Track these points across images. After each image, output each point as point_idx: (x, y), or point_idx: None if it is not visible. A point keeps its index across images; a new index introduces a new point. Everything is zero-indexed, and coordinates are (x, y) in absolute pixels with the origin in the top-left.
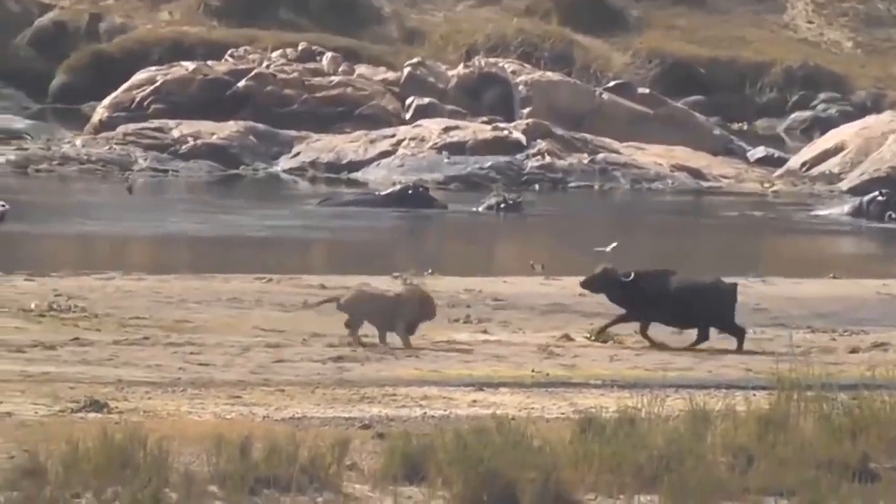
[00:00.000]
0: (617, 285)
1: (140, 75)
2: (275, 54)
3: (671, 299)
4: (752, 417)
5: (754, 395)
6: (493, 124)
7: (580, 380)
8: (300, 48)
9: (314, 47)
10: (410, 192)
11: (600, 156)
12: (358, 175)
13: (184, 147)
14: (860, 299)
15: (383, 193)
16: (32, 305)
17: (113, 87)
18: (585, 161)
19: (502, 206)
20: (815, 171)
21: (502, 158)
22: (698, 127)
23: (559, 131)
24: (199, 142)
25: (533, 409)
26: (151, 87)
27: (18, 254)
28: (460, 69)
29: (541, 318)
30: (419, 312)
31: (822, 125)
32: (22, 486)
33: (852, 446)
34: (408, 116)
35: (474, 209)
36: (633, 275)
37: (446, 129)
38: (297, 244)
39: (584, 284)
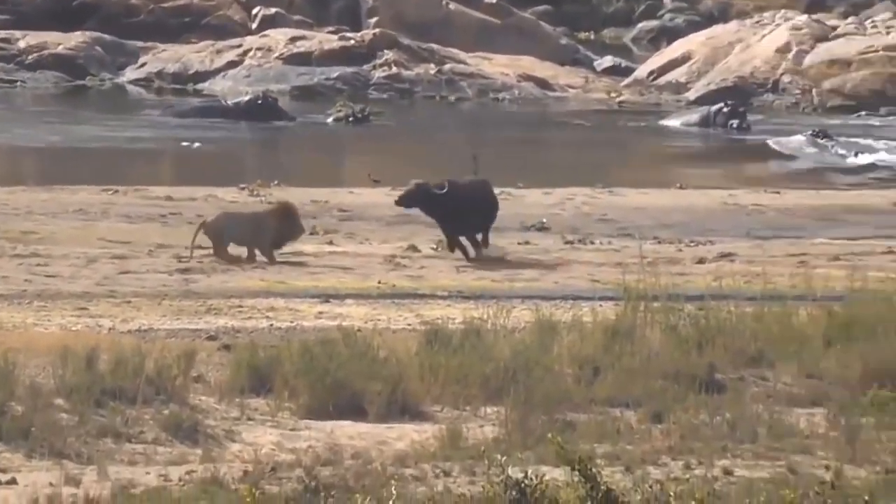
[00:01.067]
0: (431, 198)
1: None
2: None
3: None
4: (598, 329)
5: (601, 306)
6: (340, 34)
7: (426, 291)
8: None
9: None
10: (259, 102)
11: (447, 66)
12: (204, 86)
13: (30, 58)
14: (706, 210)
15: (230, 103)
16: None
17: None
18: (432, 72)
19: (350, 118)
20: (662, 80)
21: (349, 69)
22: (545, 37)
23: (406, 41)
24: (45, 52)
25: (379, 320)
26: None
27: None
28: None
29: (387, 229)
30: (284, 230)
31: (670, 35)
32: None
33: (699, 357)
34: (254, 26)
35: (322, 120)
36: (446, 186)
37: (293, 40)
38: (143, 155)
39: (398, 202)
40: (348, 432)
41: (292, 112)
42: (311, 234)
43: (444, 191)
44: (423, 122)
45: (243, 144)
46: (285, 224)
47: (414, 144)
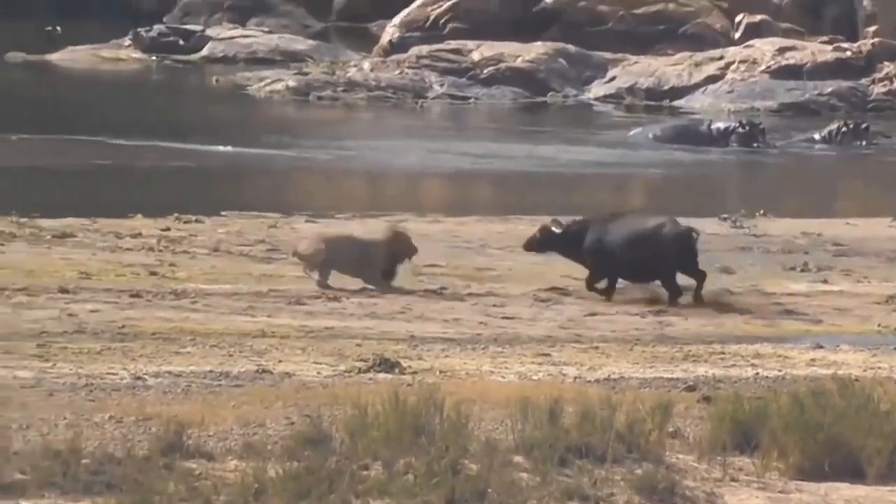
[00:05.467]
0: (555, 241)
1: None
2: None
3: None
4: None
5: None
6: (835, 45)
7: None
8: None
9: None
10: (743, 130)
11: None
12: (681, 102)
13: (485, 71)
14: None
15: (711, 129)
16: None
17: (405, 4)
18: None
19: (844, 132)
20: None
21: (844, 83)
22: None
23: None
24: (501, 65)
25: (880, 368)
26: (448, 3)
27: (301, 192)
28: None
29: (888, 265)
30: (396, 256)
31: None
32: (303, 456)
33: None
34: (737, 36)
35: (814, 140)
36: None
37: (781, 51)
38: (613, 181)
39: (525, 247)
40: (845, 495)
41: (781, 131)
42: (802, 271)
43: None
44: None
45: (724, 169)
46: (397, 249)
47: None
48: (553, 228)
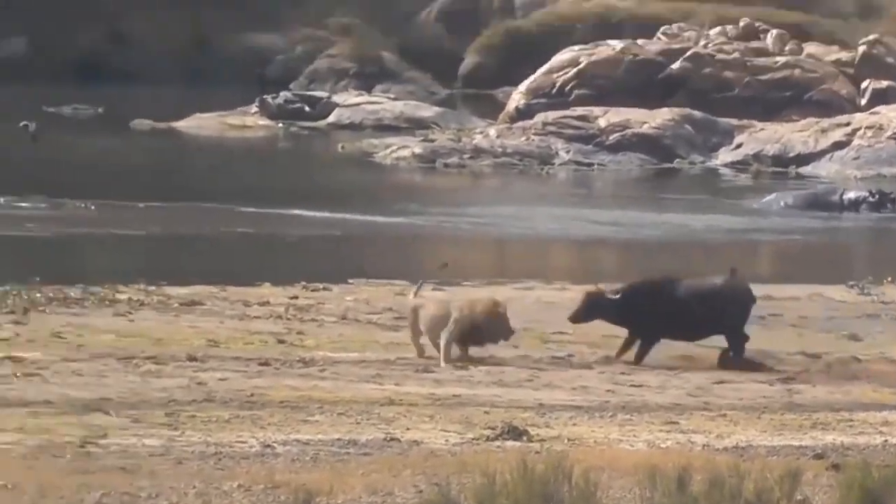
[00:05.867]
0: (607, 307)
1: (561, 56)
2: (713, 31)
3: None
4: None
5: None
6: None
7: None
8: (741, 24)
9: (757, 23)
10: (872, 199)
11: None
12: (808, 169)
13: (611, 138)
14: None
15: (843, 197)
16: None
17: (531, 70)
18: None
19: None
20: None
21: None
22: None
23: None
24: (627, 131)
25: None
26: (574, 70)
27: (424, 259)
28: None
29: None
30: (478, 329)
31: None
32: None
33: None
34: (863, 102)
35: None
36: (620, 293)
37: None
38: (741, 248)
39: (572, 320)
40: None
41: None
42: None
43: (619, 296)
44: None
45: (853, 236)
46: (479, 322)
47: None
48: (608, 294)
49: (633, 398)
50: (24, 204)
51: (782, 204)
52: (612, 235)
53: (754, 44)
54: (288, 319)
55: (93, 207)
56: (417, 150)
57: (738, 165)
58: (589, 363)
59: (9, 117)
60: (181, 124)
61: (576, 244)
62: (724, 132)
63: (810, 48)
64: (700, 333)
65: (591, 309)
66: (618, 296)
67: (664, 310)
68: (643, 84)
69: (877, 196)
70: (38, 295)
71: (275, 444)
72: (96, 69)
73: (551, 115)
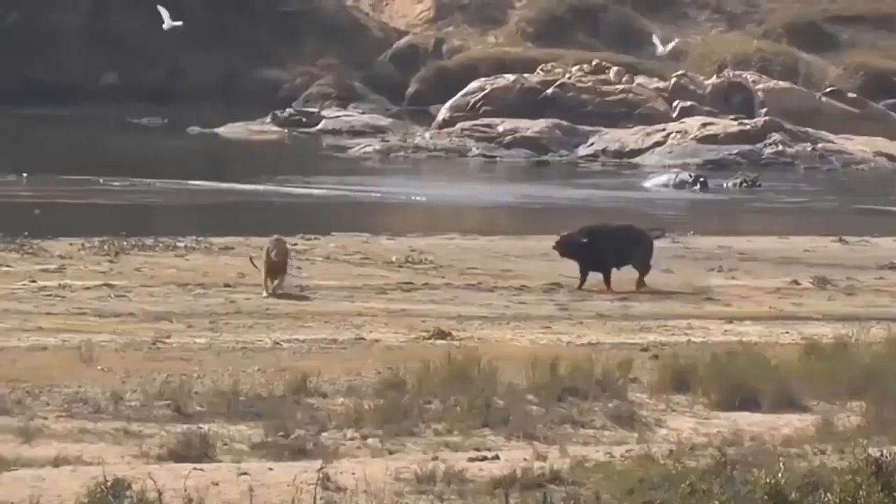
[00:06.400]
0: (578, 245)
1: (473, 85)
2: (574, 68)
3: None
4: None
5: None
6: (739, 121)
7: (805, 314)
8: (594, 63)
9: (604, 63)
10: (690, 180)
11: (820, 145)
12: (637, 160)
13: (506, 139)
14: None
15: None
16: (393, 258)
17: (452, 94)
18: (809, 149)
19: (744, 183)
20: None
21: (745, 147)
22: (893, 122)
23: (788, 126)
24: (517, 135)
25: (770, 336)
26: (482, 94)
27: (382, 219)
28: (714, 79)
29: (775, 267)
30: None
31: None
32: (387, 395)
33: None
34: (674, 115)
35: (725, 186)
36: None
37: (704, 125)
38: (590, 213)
39: (556, 248)
40: (747, 421)
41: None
42: (718, 271)
43: (586, 240)
44: (802, 186)
45: (671, 205)
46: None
47: (791, 202)
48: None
49: (521, 311)
50: (114, 182)
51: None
52: (507, 202)
53: (601, 77)
54: (291, 259)
55: (157, 184)
56: (378, 147)
57: (591, 157)
58: (491, 287)
59: (109, 123)
60: (220, 130)
61: (481, 209)
62: (582, 135)
63: (639, 79)
64: (624, 264)
65: (567, 245)
66: (585, 239)
67: (614, 247)
68: (528, 103)
69: (692, 178)
70: (125, 243)
71: (282, 342)
72: (163, 93)
73: (467, 124)
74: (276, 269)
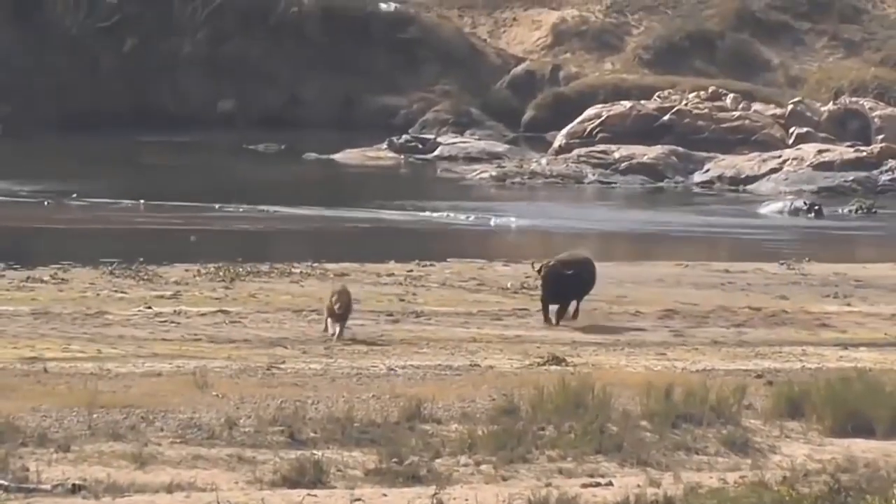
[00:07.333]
0: (566, 277)
1: (590, 111)
2: (691, 95)
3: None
4: None
5: None
6: (855, 147)
7: None
8: (710, 90)
9: (720, 90)
10: (805, 208)
11: None
12: (753, 186)
13: (622, 165)
14: None
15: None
16: (508, 285)
17: (569, 120)
18: None
19: (860, 210)
20: None
21: (861, 173)
22: None
23: None
24: (633, 161)
25: (885, 363)
26: (598, 121)
27: (499, 245)
28: (830, 106)
29: (891, 294)
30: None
31: None
32: (501, 421)
33: None
34: (790, 141)
35: (842, 212)
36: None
37: (820, 152)
38: (704, 240)
39: (539, 274)
40: (861, 447)
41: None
42: (834, 297)
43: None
44: None
45: (786, 232)
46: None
47: None
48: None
49: (636, 337)
50: (229, 207)
51: (768, 211)
52: (624, 228)
53: (718, 103)
54: (406, 285)
55: (274, 210)
56: (493, 173)
57: (706, 184)
58: (606, 314)
59: (226, 150)
60: (336, 156)
61: (599, 234)
62: (698, 161)
63: (756, 106)
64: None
65: (553, 277)
66: (570, 271)
67: (586, 279)
68: (644, 129)
69: (807, 205)
70: (240, 269)
71: (396, 368)
72: (280, 119)
73: (583, 150)
74: (337, 318)
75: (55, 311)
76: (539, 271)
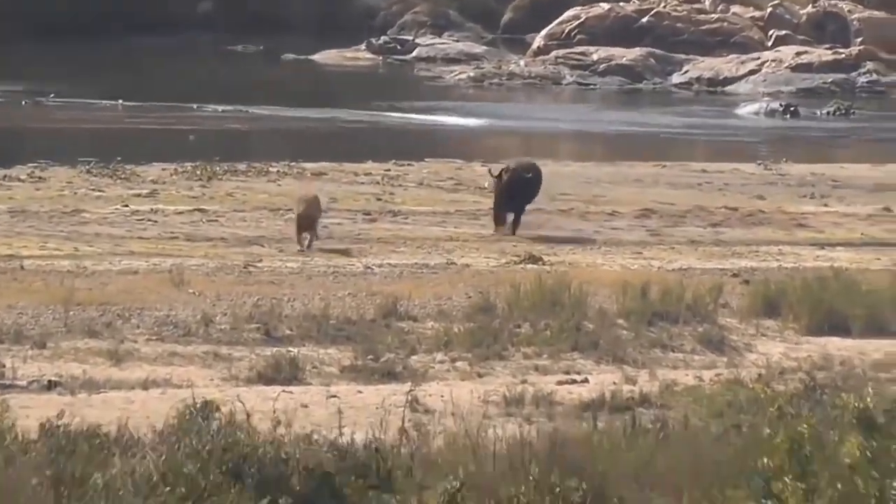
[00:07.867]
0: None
1: (569, 13)
2: None
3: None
4: None
5: None
6: (834, 50)
7: None
8: None
9: None
10: (780, 109)
11: None
12: (731, 88)
13: (600, 66)
14: None
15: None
16: (486, 185)
17: (547, 22)
18: None
19: (838, 111)
20: None
21: (839, 75)
22: None
23: (883, 55)
24: (612, 63)
25: (861, 262)
26: (577, 22)
27: (475, 145)
28: (809, 8)
29: (867, 194)
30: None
31: None
32: (477, 319)
33: None
34: (769, 44)
35: (817, 113)
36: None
37: (798, 54)
38: (682, 140)
39: (495, 181)
40: (837, 346)
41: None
42: (811, 198)
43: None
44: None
45: (764, 133)
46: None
47: (885, 130)
48: (524, 174)
49: (612, 236)
50: (207, 108)
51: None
52: (599, 129)
53: (696, 5)
54: (383, 185)
55: (249, 111)
56: (471, 74)
57: (684, 85)
58: (583, 213)
59: (205, 51)
60: (315, 56)
61: (575, 135)
62: (676, 63)
63: (735, 8)
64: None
65: (516, 182)
66: (529, 174)
67: (537, 185)
68: (623, 31)
69: (783, 106)
70: (217, 168)
71: (373, 266)
72: (259, 21)
73: (561, 52)
74: (304, 225)
75: (32, 210)
76: (499, 177)
